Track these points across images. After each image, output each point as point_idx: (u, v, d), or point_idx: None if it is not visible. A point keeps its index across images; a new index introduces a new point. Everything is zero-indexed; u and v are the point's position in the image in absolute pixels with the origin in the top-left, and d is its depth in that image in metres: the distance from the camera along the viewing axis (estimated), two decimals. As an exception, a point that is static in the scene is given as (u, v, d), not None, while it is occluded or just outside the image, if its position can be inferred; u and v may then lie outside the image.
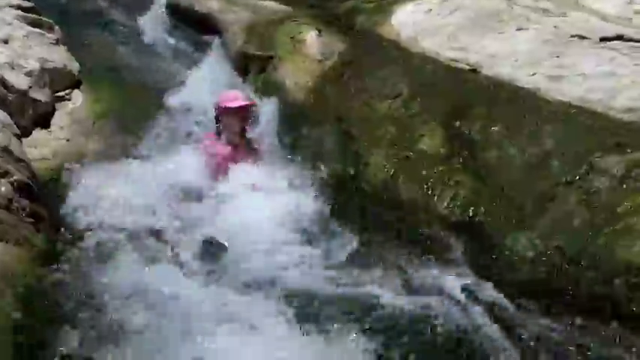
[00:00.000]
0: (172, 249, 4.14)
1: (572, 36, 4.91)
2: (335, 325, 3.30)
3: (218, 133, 5.07)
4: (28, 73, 5.75)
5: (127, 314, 3.29)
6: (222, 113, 5.03)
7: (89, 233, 4.12)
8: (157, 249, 4.05)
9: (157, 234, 4.26)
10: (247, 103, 5.06)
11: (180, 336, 3.20)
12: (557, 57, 4.80)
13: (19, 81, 5.48)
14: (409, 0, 6.08)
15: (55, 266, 3.69)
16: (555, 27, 5.04)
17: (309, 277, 3.75)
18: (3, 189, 3.79)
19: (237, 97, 5.05)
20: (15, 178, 3.93)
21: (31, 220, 3.93)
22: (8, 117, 4.56)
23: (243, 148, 5.03)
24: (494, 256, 3.81)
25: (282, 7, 6.96)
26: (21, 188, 3.96)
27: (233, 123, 4.98)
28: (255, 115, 5.55)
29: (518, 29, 5.18)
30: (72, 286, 3.55)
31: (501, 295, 3.61)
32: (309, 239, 4.20)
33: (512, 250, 3.79)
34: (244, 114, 5.02)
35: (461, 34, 5.36)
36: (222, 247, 4.10)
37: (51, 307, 3.33)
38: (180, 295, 3.48)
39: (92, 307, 3.42)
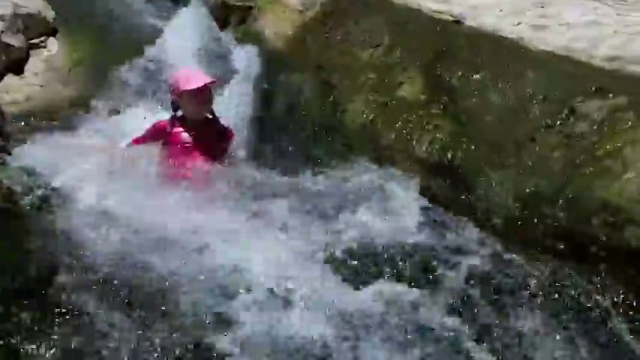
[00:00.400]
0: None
1: (557, -14, 4.80)
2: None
3: (175, 120, 4.17)
4: (1, 18, 5.55)
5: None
6: (183, 96, 4.13)
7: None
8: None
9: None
10: (211, 80, 4.19)
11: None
12: (542, 7, 4.72)
13: (-11, 25, 5.27)
14: (394, -48, 5.89)
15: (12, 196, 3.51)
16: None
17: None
18: (-32, 123, 3.65)
19: (195, 76, 4.20)
20: (-19, 114, 3.80)
21: (-2, 155, 3.78)
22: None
23: (209, 135, 4.21)
24: (471, 198, 3.66)
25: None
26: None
27: (196, 107, 4.16)
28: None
29: (503, -20, 5.04)
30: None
31: (478, 236, 3.46)
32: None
33: (489, 192, 3.65)
34: (208, 94, 4.18)
35: (444, -14, 5.23)
36: None
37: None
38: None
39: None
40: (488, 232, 3.62)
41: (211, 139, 4.17)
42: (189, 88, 4.04)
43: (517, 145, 3.90)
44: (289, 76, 5.11)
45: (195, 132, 4.13)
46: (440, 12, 5.16)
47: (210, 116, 4.25)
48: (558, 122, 3.88)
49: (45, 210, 3.53)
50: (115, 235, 3.25)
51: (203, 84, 4.05)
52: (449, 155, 4.04)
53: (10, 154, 4.02)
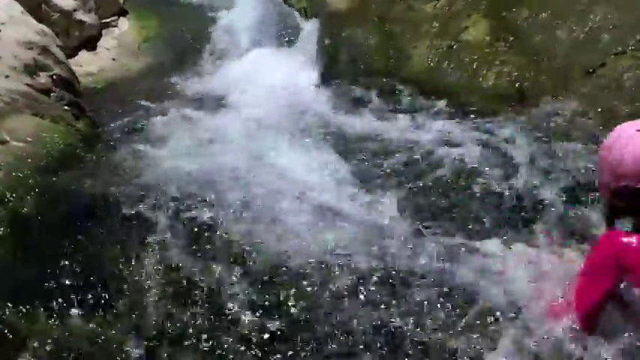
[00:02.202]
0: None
1: None
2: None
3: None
4: (74, -4, 5.80)
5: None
6: None
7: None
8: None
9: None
10: None
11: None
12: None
13: (63, 3, 5.57)
14: None
15: (90, 145, 3.69)
16: None
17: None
18: (42, 80, 3.84)
19: None
20: (55, 72, 4.00)
21: (71, 109, 3.93)
22: (49, 29, 4.64)
23: None
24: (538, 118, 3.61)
25: None
26: (61, 82, 4.04)
27: None
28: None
29: None
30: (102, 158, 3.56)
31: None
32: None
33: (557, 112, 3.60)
34: None
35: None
36: None
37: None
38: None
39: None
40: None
41: None
42: None
43: (585, 71, 3.77)
44: (353, 31, 5.15)
45: None
46: (503, -38, 5.08)
47: None
48: (630, 47, 3.71)
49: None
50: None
51: None
52: (516, 85, 3.92)
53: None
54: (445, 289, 2.41)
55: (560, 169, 3.23)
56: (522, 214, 2.97)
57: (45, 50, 4.12)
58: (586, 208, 2.85)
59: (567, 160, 3.27)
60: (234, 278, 2.54)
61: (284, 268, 2.61)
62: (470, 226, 2.89)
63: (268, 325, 2.34)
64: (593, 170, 2.97)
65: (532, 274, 2.33)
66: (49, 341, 2.23)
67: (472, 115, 3.89)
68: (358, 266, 2.56)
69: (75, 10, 5.74)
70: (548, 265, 2.37)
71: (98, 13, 6.19)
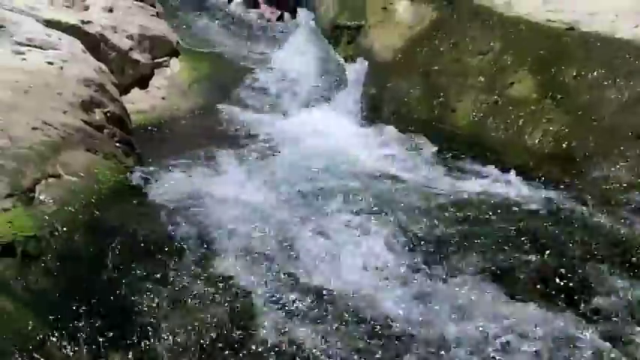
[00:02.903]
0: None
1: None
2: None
3: None
4: (129, 37, 6.07)
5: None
6: None
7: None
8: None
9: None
10: None
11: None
12: (663, 9, 4.58)
13: (120, 42, 5.77)
14: (506, -28, 5.95)
15: (139, 177, 3.78)
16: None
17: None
18: (97, 116, 3.97)
19: None
20: (109, 109, 4.13)
21: (122, 145, 4.04)
22: (105, 67, 4.83)
23: None
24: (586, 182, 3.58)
25: (376, -14, 6.99)
26: (114, 119, 4.17)
27: None
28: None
29: (621, -13, 4.99)
30: (152, 195, 3.64)
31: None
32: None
33: (607, 177, 3.56)
34: None
35: (557, -3, 5.24)
36: None
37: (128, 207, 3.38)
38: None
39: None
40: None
41: None
42: None
43: (637, 136, 3.75)
44: (398, 82, 5.20)
45: None
46: (552, 20, 5.13)
47: None
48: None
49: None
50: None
51: None
52: (562, 145, 3.91)
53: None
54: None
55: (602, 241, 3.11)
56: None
57: (101, 87, 4.24)
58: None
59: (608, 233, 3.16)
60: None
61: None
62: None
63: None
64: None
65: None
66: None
67: (516, 175, 3.82)
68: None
69: (131, 50, 5.92)
70: None
71: (152, 53, 6.36)
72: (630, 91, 4.01)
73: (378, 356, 2.49)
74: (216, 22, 7.73)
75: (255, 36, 7.49)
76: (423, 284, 2.91)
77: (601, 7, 4.86)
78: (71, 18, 4.94)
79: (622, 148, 3.70)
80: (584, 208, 3.44)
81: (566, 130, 3.96)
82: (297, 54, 6.33)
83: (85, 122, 3.72)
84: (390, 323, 2.64)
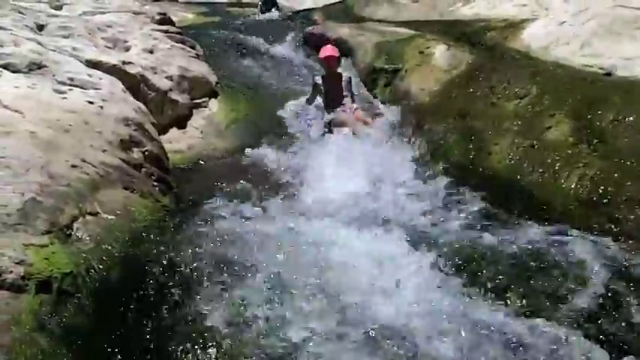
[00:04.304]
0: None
1: None
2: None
3: None
4: (169, 78, 6.24)
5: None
6: None
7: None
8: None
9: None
10: None
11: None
12: (699, 55, 4.55)
13: (160, 83, 5.92)
14: (543, 17, 6.01)
15: (175, 219, 3.83)
16: (699, 30, 4.82)
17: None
18: (135, 155, 4.06)
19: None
20: (147, 148, 4.22)
21: (159, 184, 4.12)
22: (146, 108, 4.99)
23: None
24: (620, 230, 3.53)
25: (410, 31, 7.11)
26: (152, 158, 4.25)
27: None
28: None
29: (658, 34, 4.98)
30: (187, 234, 3.67)
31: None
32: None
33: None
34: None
35: (594, 42, 5.28)
36: None
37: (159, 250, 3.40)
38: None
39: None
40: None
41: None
42: None
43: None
44: (435, 124, 5.21)
45: None
46: (589, 65, 5.13)
47: None
48: None
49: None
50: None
51: None
52: (599, 190, 3.87)
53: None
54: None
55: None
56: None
57: (140, 127, 4.34)
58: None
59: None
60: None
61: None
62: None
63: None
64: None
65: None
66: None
67: (551, 222, 3.77)
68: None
69: (170, 90, 6.06)
70: None
71: (191, 93, 6.50)
72: (667, 137, 3.91)
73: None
74: (256, 61, 7.83)
75: (294, 76, 7.58)
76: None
77: (637, 52, 4.84)
78: (112, 58, 5.09)
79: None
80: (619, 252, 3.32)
81: (603, 176, 3.89)
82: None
83: (124, 161, 3.80)
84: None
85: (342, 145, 5.13)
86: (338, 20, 9.13)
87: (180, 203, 4.21)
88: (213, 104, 6.66)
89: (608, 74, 4.96)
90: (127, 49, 5.82)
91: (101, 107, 4.08)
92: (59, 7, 6.60)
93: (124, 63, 5.16)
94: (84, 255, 2.88)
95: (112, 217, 3.27)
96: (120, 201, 3.47)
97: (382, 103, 6.08)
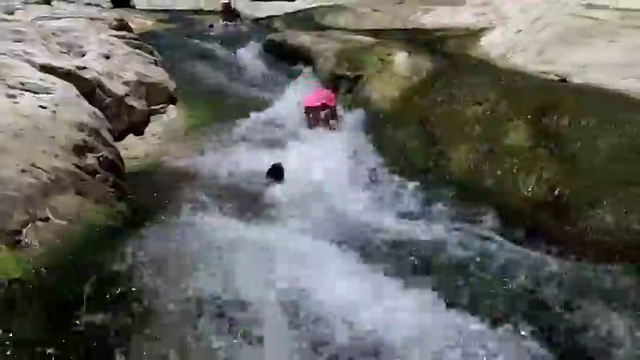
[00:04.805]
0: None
1: (667, 44, 4.78)
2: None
3: None
4: (126, 83, 6.15)
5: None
6: None
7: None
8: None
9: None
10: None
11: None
12: (650, 61, 4.65)
13: (116, 88, 5.83)
14: (501, 25, 6.09)
15: (130, 225, 3.74)
16: (648, 38, 4.93)
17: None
18: (89, 161, 3.99)
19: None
20: (102, 154, 4.15)
21: (114, 190, 4.04)
22: (102, 113, 4.88)
23: None
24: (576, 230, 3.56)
25: (371, 38, 7.14)
26: (107, 164, 4.18)
27: None
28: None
29: (610, 41, 5.09)
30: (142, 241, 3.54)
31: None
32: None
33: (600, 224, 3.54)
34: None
35: (550, 49, 5.37)
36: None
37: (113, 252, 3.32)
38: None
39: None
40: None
41: None
42: None
43: (626, 183, 3.74)
44: (395, 130, 5.22)
45: None
46: (546, 72, 5.21)
47: None
48: (671, 160, 3.68)
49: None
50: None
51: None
52: (555, 193, 3.91)
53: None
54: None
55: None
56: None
57: (95, 132, 4.25)
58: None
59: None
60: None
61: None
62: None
63: None
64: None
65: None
66: None
67: (509, 225, 3.80)
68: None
69: (127, 96, 5.97)
70: None
71: (148, 99, 6.41)
72: (621, 140, 3.96)
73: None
74: (216, 68, 7.78)
75: (256, 83, 7.54)
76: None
77: (591, 59, 4.95)
78: (67, 63, 4.99)
79: (612, 195, 3.62)
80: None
81: (559, 178, 3.94)
82: (296, 102, 6.33)
83: (77, 166, 3.72)
84: None
85: (303, 151, 5.06)
86: (300, 28, 9.11)
87: (135, 209, 4.10)
88: (172, 111, 6.58)
89: (564, 80, 5.04)
90: (83, 55, 5.71)
91: (54, 112, 3.99)
92: (11, 12, 6.46)
93: (78, 68, 5.06)
94: (33, 261, 2.78)
95: (64, 222, 3.18)
96: (73, 206, 3.38)
97: (343, 108, 6.00)
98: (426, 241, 3.75)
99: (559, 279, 3.26)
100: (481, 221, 3.96)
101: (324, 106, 5.68)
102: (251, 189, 4.70)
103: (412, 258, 3.56)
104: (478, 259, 3.49)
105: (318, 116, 5.67)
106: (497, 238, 3.73)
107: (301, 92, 6.46)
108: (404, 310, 2.96)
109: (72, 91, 4.53)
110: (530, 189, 4.07)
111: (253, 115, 6.14)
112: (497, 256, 3.52)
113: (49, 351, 2.49)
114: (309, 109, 5.70)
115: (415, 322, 2.88)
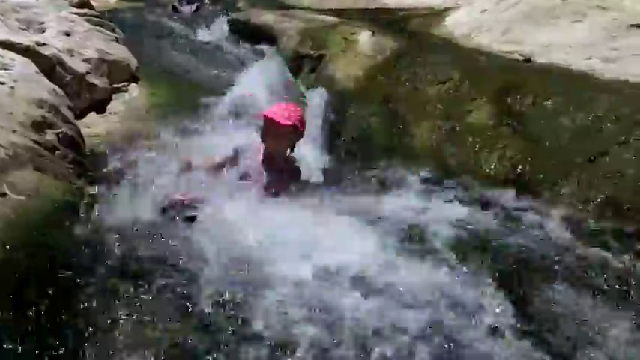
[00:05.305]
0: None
1: (632, 25, 4.85)
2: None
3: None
4: (87, 61, 6.02)
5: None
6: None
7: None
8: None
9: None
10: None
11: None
12: (615, 43, 4.73)
13: (77, 66, 5.69)
14: (466, 5, 6.10)
15: (90, 202, 3.69)
16: (614, 19, 4.99)
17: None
18: (49, 137, 3.91)
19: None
20: (62, 131, 4.06)
21: (74, 167, 3.98)
22: (62, 91, 4.78)
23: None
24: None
25: (335, 18, 7.11)
26: (67, 141, 4.10)
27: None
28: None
29: (574, 21, 5.14)
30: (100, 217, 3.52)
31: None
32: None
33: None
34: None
35: (515, 29, 5.39)
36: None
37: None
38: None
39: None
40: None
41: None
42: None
43: (588, 160, 3.80)
44: (358, 109, 5.22)
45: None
46: (509, 52, 5.24)
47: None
48: (633, 138, 3.76)
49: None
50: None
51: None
52: (517, 170, 3.95)
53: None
54: None
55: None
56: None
57: (55, 109, 4.17)
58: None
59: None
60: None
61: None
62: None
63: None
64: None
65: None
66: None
67: (470, 199, 3.82)
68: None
69: (88, 73, 5.85)
70: None
71: (110, 77, 6.30)
72: (583, 119, 4.01)
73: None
74: (179, 47, 7.67)
75: (220, 61, 7.45)
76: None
77: (555, 40, 4.99)
78: (26, 40, 4.87)
79: (573, 172, 3.67)
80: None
81: (521, 156, 3.98)
82: (259, 80, 6.27)
83: (36, 142, 3.65)
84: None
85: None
86: (264, 7, 9.03)
87: (95, 187, 4.04)
88: (134, 89, 6.48)
89: (528, 60, 5.07)
90: (42, 31, 5.58)
91: (12, 88, 3.90)
92: (-34, -12, 6.27)
93: (38, 44, 4.95)
94: (-11, 237, 2.71)
95: (22, 197, 3.11)
96: (31, 182, 3.32)
97: (306, 87, 5.97)
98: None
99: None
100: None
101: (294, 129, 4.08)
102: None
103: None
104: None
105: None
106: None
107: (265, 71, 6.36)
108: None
109: (31, 67, 4.43)
110: (492, 167, 4.07)
111: (215, 95, 6.03)
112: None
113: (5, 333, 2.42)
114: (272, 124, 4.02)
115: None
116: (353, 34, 6.24)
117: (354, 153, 4.85)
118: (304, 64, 6.41)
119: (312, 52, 6.36)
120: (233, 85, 6.24)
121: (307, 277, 2.97)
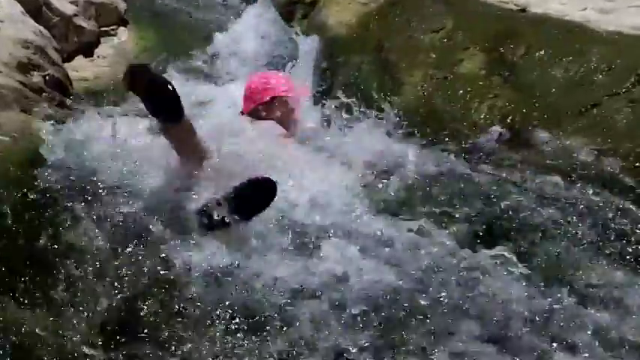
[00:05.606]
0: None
1: (629, -25, 4.76)
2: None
3: None
4: (74, 2, 5.97)
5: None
6: None
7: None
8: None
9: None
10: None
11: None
12: (609, -8, 4.64)
13: (64, 7, 5.62)
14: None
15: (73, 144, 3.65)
16: (611, -31, 4.90)
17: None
18: (35, 79, 3.87)
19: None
20: (48, 73, 4.02)
21: (60, 110, 3.97)
22: (48, 32, 4.76)
23: None
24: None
25: (329, -36, 6.93)
26: (54, 83, 4.08)
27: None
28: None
29: (571, -29, 5.04)
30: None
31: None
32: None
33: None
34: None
35: (510, -22, 5.26)
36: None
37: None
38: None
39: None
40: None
41: None
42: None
43: (579, 111, 3.78)
44: (350, 57, 5.16)
45: None
46: (504, 1, 5.16)
47: None
48: (624, 89, 3.75)
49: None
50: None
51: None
52: (508, 120, 3.93)
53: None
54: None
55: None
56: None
57: (41, 50, 4.12)
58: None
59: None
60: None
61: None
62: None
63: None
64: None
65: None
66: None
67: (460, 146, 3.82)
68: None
69: (75, 16, 5.78)
70: None
71: (98, 20, 6.22)
72: (575, 70, 3.99)
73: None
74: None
75: (211, 6, 7.33)
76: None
77: (552, -12, 4.89)
78: (11, -21, 4.78)
79: (564, 123, 3.67)
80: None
81: (512, 106, 3.95)
82: (252, 26, 6.20)
83: (22, 83, 3.62)
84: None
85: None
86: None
87: (81, 129, 4.02)
88: (123, 33, 6.41)
89: (523, 10, 5.00)
90: (28, -29, 5.45)
91: (-3, 28, 3.83)
92: None
93: (23, -16, 4.85)
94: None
95: (8, 138, 3.09)
96: (17, 123, 3.31)
97: (297, 34, 5.90)
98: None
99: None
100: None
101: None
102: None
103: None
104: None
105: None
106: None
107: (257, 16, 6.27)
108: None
109: (16, 7, 4.36)
110: (482, 116, 4.06)
111: (205, 40, 5.95)
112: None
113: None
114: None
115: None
116: (346, -21, 6.10)
117: (346, 101, 4.76)
118: (297, 10, 6.31)
119: (304, -2, 6.24)
120: (226, 31, 6.14)
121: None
